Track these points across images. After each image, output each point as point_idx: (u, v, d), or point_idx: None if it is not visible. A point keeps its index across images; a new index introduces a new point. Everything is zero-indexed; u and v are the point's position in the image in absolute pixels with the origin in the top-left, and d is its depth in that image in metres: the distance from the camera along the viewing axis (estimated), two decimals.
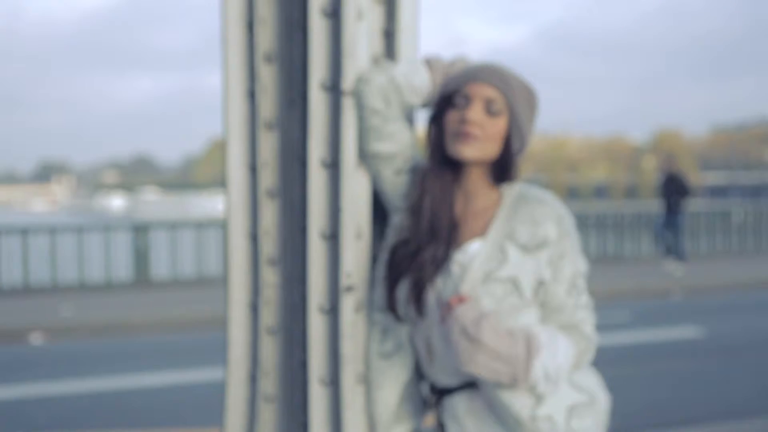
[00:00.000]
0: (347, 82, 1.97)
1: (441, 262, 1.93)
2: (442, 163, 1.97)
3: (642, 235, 17.06)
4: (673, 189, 13.92)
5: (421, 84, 2.00)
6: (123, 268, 13.99)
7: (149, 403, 6.62)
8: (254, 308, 2.14)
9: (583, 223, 15.81)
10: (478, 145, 1.90)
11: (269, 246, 2.13)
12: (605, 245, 16.71)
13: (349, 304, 1.99)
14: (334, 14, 2.01)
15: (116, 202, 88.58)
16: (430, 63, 2.03)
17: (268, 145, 2.12)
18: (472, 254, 1.92)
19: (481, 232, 1.95)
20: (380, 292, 2.00)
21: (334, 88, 2.02)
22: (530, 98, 1.98)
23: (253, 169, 2.13)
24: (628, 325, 9.81)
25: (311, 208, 2.03)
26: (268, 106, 2.12)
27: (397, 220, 2.03)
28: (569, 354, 1.89)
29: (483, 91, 1.90)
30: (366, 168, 2.04)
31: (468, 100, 1.91)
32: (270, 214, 2.13)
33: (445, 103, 1.94)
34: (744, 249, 18.04)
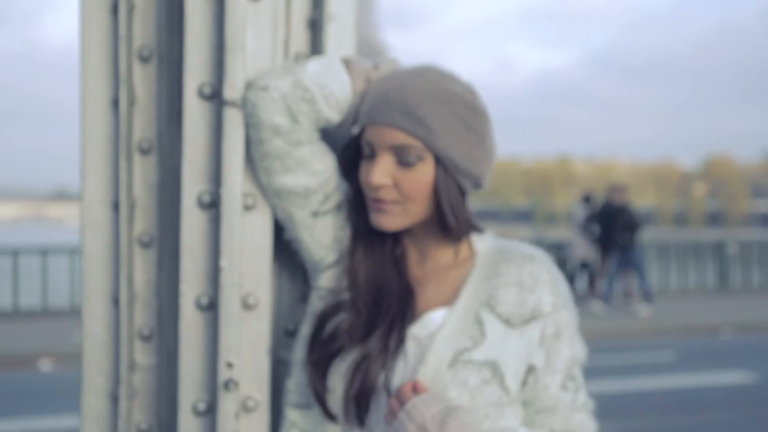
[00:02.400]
0: (232, 88, 1.39)
1: (394, 352, 1.36)
2: (366, 229, 1.43)
3: (689, 265, 16.11)
4: (622, 224, 12.35)
5: (340, 91, 1.41)
6: None
7: None
8: (115, 400, 1.55)
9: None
10: (398, 211, 1.36)
11: (142, 314, 1.54)
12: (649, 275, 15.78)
13: (229, 407, 1.39)
14: None
15: None
16: (348, 64, 1.45)
17: (143, 175, 1.54)
18: (435, 327, 1.36)
19: (447, 299, 1.38)
20: (298, 380, 1.41)
21: (216, 96, 1.43)
22: (468, 118, 1.38)
23: (119, 208, 1.54)
24: (673, 367, 9.03)
25: (183, 264, 1.44)
26: (142, 121, 1.54)
27: (323, 279, 1.44)
28: None
29: (387, 138, 1.34)
30: (271, 208, 1.45)
31: (373, 149, 1.36)
32: (143, 269, 1.55)
33: (355, 147, 1.42)
34: None
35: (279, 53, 1.53)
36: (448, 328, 1.34)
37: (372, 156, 1.36)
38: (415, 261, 1.44)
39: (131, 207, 1.53)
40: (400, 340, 1.35)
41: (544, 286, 1.38)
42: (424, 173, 1.34)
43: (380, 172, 1.34)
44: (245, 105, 1.38)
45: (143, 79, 1.54)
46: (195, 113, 1.43)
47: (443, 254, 1.43)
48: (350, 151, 1.42)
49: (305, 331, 1.42)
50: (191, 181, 1.43)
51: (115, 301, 1.53)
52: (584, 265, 13.34)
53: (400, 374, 1.35)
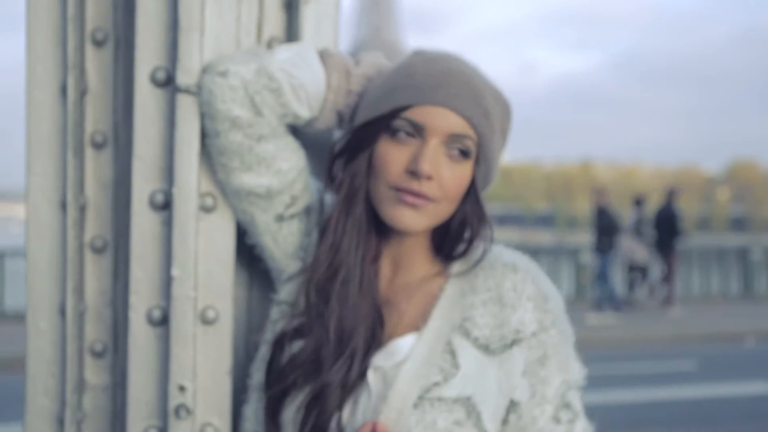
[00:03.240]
0: (186, 73, 1.22)
1: (354, 386, 1.18)
2: (362, 227, 1.23)
3: (712, 271, 15.77)
4: (600, 226, 12.21)
5: (312, 84, 1.24)
6: None
7: None
8: (61, 423, 1.38)
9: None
10: (430, 211, 1.17)
11: (94, 328, 1.38)
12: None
13: None
14: None
15: None
16: (324, 56, 1.28)
17: (95, 171, 1.38)
18: (402, 356, 1.17)
19: (417, 321, 1.20)
20: (255, 408, 1.24)
21: (171, 82, 1.26)
22: (506, 121, 1.24)
23: (68, 208, 1.37)
24: (695, 377, 8.77)
25: (133, 273, 1.27)
26: (96, 112, 1.37)
27: (285, 292, 1.27)
28: None
29: (446, 123, 1.16)
30: (232, 210, 1.29)
31: (420, 132, 1.17)
32: (96, 278, 1.38)
33: (376, 127, 1.19)
34: None
35: (248, 36, 1.36)
36: (415, 359, 1.15)
37: (419, 143, 1.16)
38: (386, 275, 1.25)
39: (82, 208, 1.37)
40: (362, 372, 1.17)
41: (528, 301, 1.18)
42: (467, 172, 1.19)
43: (432, 158, 1.15)
44: (201, 92, 1.21)
45: (97, 65, 1.38)
46: (147, 102, 1.26)
47: (420, 267, 1.25)
48: (366, 129, 1.19)
49: (264, 352, 1.25)
50: (142, 178, 1.27)
51: (63, 312, 1.37)
52: (635, 269, 13.12)
53: (361, 412, 1.17)
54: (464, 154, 1.17)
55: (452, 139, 1.16)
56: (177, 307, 1.22)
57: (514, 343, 1.16)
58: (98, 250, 1.38)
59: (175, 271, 1.22)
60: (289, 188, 1.26)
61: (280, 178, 1.24)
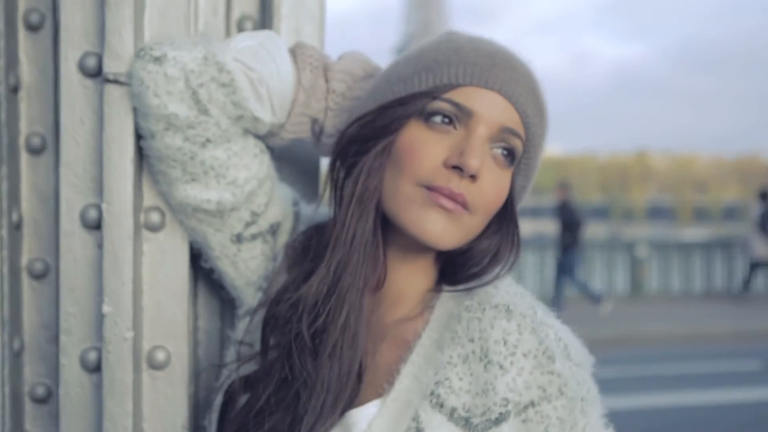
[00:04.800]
0: (116, 59, 0.98)
1: None
2: (369, 243, 0.95)
3: None
4: (563, 221, 11.20)
5: (276, 81, 0.99)
6: None
7: None
8: None
9: (709, 251, 14.07)
10: (464, 222, 0.91)
11: (34, 369, 1.15)
12: (733, 276, 14.83)
13: None
14: None
15: None
16: (295, 49, 1.03)
17: (32, 181, 1.15)
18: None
19: (383, 382, 0.92)
20: None
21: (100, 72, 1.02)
22: (547, 127, 0.99)
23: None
24: (759, 377, 8.31)
25: (63, 307, 1.04)
26: (31, 110, 1.14)
27: (241, 330, 1.04)
28: None
29: (503, 114, 0.90)
30: (184, 227, 1.05)
31: (465, 120, 0.90)
32: (35, 309, 1.15)
33: (407, 108, 0.92)
34: None
35: (213, 14, 1.13)
36: None
37: (450, 127, 0.91)
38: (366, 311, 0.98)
39: (17, 225, 1.14)
40: None
41: (524, 359, 0.86)
42: (508, 182, 0.93)
43: (481, 155, 0.89)
44: (131, 82, 0.97)
45: (31, 54, 1.15)
46: (76, 95, 1.03)
47: (407, 305, 0.97)
48: (389, 114, 0.92)
49: (218, 402, 1.00)
50: (73, 190, 1.03)
51: None
52: (759, 264, 12.48)
53: None
54: (511, 156, 0.92)
55: (502, 134, 0.91)
56: (110, 351, 0.98)
57: (501, 418, 0.85)
58: (38, 276, 1.15)
59: (107, 307, 0.98)
60: (248, 203, 1.01)
61: (234, 190, 0.99)
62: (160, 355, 1.03)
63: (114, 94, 0.97)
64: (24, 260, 1.15)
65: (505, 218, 0.94)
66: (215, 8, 1.16)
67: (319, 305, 0.93)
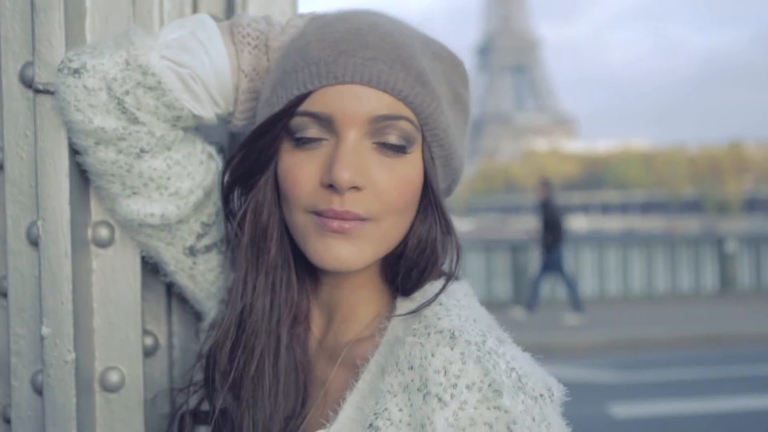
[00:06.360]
0: (46, 66, 0.93)
1: None
2: (278, 277, 0.89)
3: None
4: (544, 221, 10.41)
5: (211, 71, 0.91)
6: None
7: None
8: None
9: None
10: (371, 235, 0.82)
11: None
12: None
13: None
14: None
15: None
16: (232, 29, 0.94)
17: None
18: None
19: (328, 412, 0.84)
20: None
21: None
22: (459, 81, 0.88)
23: None
24: None
25: (12, 327, 1.00)
26: None
27: (207, 346, 0.97)
28: None
29: (364, 104, 0.81)
30: (135, 242, 0.99)
31: (329, 127, 0.82)
32: None
33: (273, 132, 0.85)
34: None
35: (174, 16, 1.07)
36: None
37: (321, 140, 0.83)
38: (319, 331, 0.92)
39: None
40: None
41: (467, 392, 0.75)
42: (413, 168, 0.83)
43: (352, 163, 0.80)
44: (56, 96, 0.91)
45: None
46: (19, 108, 0.98)
47: (364, 315, 0.90)
48: (260, 142, 0.85)
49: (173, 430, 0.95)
50: (19, 208, 0.99)
51: None
52: None
53: None
54: (403, 140, 0.82)
55: (377, 125, 0.81)
56: (51, 375, 0.93)
57: None
58: None
59: (45, 329, 0.93)
60: (197, 214, 0.95)
61: (179, 202, 0.93)
62: (114, 377, 0.98)
63: (46, 105, 0.93)
64: None
65: (429, 204, 0.85)
66: (181, 10, 1.11)
67: (231, 356, 0.88)
